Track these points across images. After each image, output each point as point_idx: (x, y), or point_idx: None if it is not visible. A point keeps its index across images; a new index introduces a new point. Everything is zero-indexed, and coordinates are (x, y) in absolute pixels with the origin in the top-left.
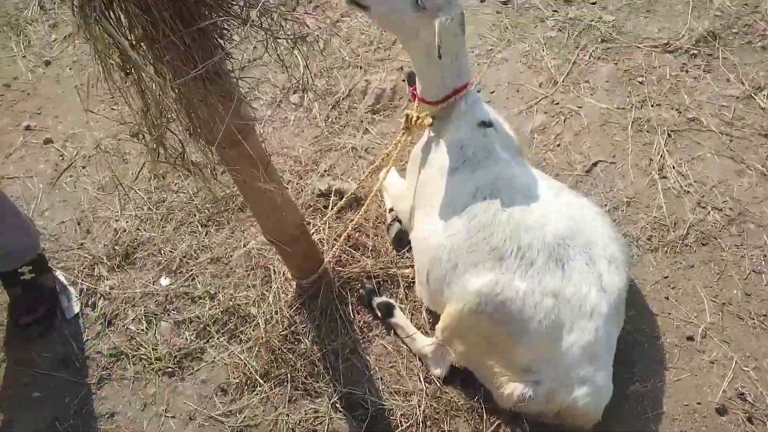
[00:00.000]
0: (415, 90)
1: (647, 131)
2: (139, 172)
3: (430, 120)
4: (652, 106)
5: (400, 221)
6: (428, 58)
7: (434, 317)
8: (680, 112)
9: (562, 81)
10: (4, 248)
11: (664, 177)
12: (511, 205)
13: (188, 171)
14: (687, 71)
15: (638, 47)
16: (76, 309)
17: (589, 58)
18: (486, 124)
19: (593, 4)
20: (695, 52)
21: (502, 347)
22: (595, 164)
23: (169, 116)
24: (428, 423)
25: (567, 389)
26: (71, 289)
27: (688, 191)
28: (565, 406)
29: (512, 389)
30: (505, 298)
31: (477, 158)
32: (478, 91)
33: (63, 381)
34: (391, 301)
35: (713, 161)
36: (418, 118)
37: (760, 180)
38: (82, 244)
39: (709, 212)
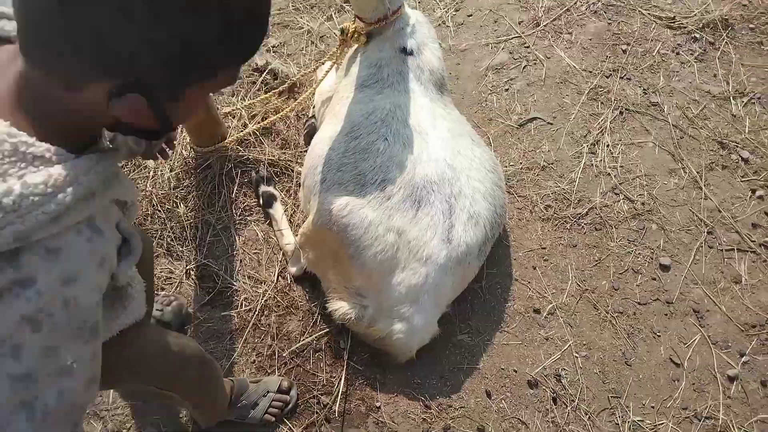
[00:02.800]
0: None
1: (602, 102)
2: None
3: (365, 39)
4: (622, 78)
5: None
6: None
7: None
8: (646, 93)
9: (544, 26)
10: None
11: (593, 153)
12: (396, 137)
13: None
14: (678, 53)
15: (641, 13)
16: None
17: (586, 9)
18: (407, 51)
19: None
20: (697, 36)
21: (342, 266)
22: (531, 119)
23: None
24: (265, 312)
25: (386, 321)
26: None
27: (609, 174)
28: (382, 336)
29: (338, 306)
30: (350, 222)
31: (389, 81)
32: (456, 11)
33: None
34: (276, 193)
35: (651, 152)
36: (354, 32)
37: (688, 186)
38: None
39: (620, 200)
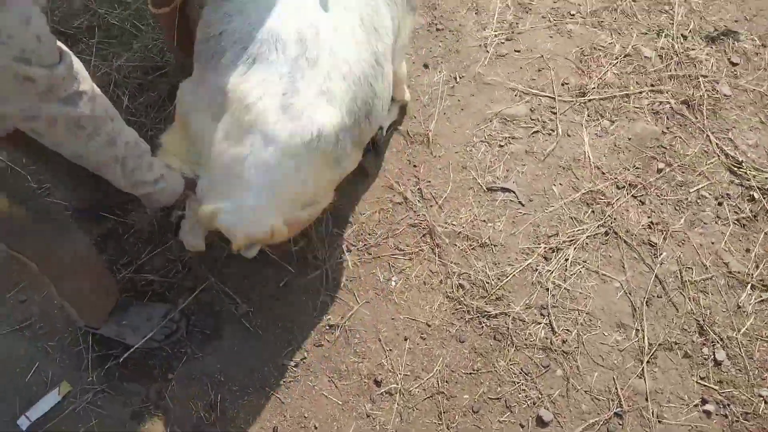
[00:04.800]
0: None
1: (593, 211)
2: None
3: None
4: (635, 197)
5: None
6: None
7: None
8: (650, 228)
9: (589, 99)
10: None
11: (546, 258)
12: None
13: None
14: (720, 204)
15: (710, 139)
16: None
17: (648, 105)
18: None
19: None
20: (756, 196)
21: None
22: (504, 190)
23: None
24: None
25: (213, 197)
26: None
27: (548, 289)
28: (209, 215)
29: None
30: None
31: None
32: (507, 40)
33: None
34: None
35: (611, 294)
36: None
37: (628, 353)
38: None
39: (541, 324)
